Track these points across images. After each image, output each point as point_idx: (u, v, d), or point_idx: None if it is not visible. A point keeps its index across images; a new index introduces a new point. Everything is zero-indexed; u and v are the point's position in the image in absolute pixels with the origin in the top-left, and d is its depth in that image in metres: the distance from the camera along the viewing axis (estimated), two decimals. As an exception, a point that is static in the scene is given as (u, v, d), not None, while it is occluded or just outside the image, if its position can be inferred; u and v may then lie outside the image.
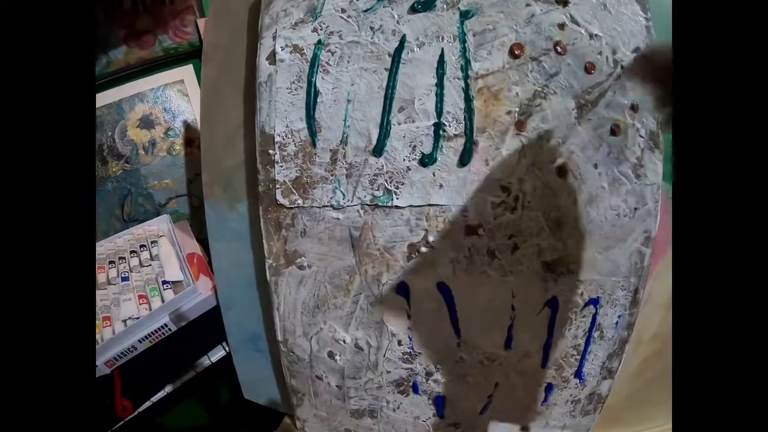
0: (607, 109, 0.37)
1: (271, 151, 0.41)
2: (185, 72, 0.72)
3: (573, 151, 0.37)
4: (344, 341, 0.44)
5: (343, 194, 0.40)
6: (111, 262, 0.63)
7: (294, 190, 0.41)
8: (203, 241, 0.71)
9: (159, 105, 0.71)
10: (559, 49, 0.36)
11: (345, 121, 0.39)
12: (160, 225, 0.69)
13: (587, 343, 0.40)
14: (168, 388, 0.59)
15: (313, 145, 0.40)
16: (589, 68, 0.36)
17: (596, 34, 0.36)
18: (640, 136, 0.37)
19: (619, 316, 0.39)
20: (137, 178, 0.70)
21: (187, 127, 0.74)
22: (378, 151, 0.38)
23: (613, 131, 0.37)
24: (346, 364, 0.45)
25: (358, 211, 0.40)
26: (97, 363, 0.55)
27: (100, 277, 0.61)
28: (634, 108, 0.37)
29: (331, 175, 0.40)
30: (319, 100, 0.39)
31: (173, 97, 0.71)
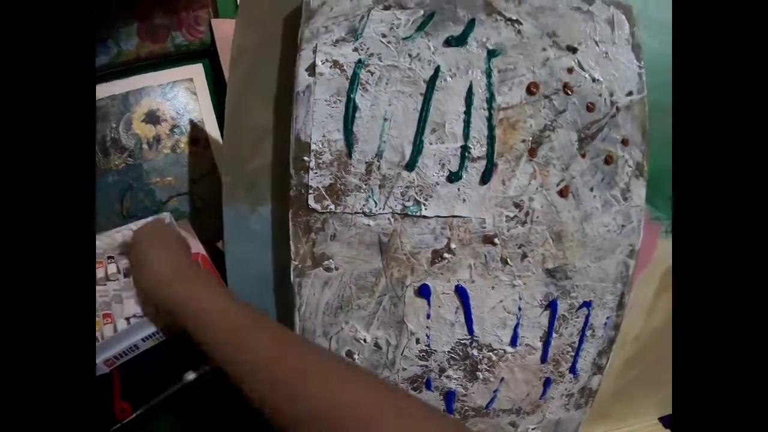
0: (602, 143, 0.44)
1: (305, 158, 0.44)
2: (195, 70, 0.72)
3: (574, 176, 0.44)
4: (364, 340, 0.47)
5: (376, 203, 0.43)
6: (110, 258, 0.61)
7: (327, 196, 0.44)
8: (205, 242, 0.70)
9: (166, 101, 0.70)
10: (567, 90, 0.43)
11: (381, 136, 0.42)
12: (160, 223, 0.68)
13: (581, 341, 0.46)
14: (169, 391, 0.57)
15: (349, 156, 0.43)
16: (590, 107, 0.43)
17: (598, 79, 0.43)
18: (629, 166, 0.44)
19: (607, 318, 0.46)
20: (139, 172, 0.68)
21: (194, 126, 0.73)
22: (410, 166, 0.42)
23: (607, 161, 0.44)
24: (364, 363, 0.48)
25: (388, 218, 0.43)
26: (96, 361, 0.53)
27: (99, 272, 0.59)
28: (624, 142, 0.44)
29: (365, 185, 0.43)
30: (357, 115, 0.43)
31: (181, 95, 0.71)
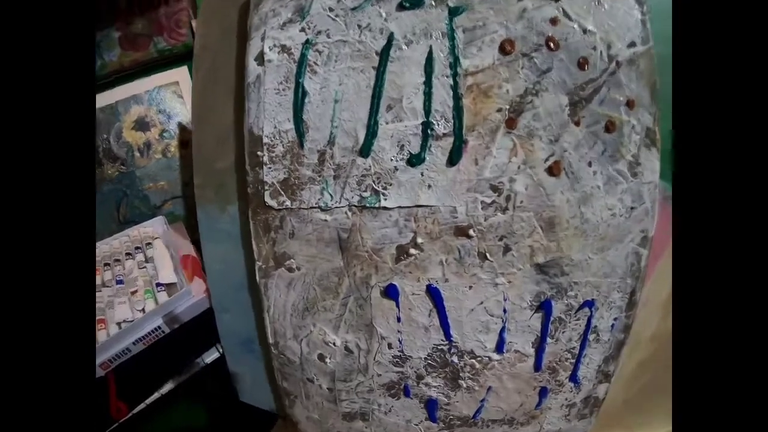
0: (601, 106, 0.36)
1: (259, 153, 0.41)
2: (180, 74, 0.72)
3: (566, 149, 0.36)
4: (334, 344, 0.43)
5: (331, 195, 0.39)
6: (106, 264, 0.64)
7: (282, 192, 0.40)
8: (198, 243, 0.71)
9: (154, 107, 0.71)
10: (551, 44, 0.35)
11: (332, 121, 0.38)
12: (155, 227, 0.69)
13: (582, 346, 0.39)
14: (163, 390, 0.59)
15: (301, 146, 0.39)
16: (582, 64, 0.35)
17: (590, 29, 0.35)
18: (636, 133, 0.36)
19: (615, 319, 0.38)
20: (133, 180, 0.70)
21: (182, 129, 0.74)
22: (365, 151, 0.38)
23: (608, 128, 0.36)
24: (337, 367, 0.44)
25: (345, 212, 0.39)
26: (92, 365, 0.55)
27: (96, 279, 0.62)
28: (629, 104, 0.36)
29: (319, 176, 0.39)
30: (306, 100, 0.38)
31: (168, 99, 0.71)
